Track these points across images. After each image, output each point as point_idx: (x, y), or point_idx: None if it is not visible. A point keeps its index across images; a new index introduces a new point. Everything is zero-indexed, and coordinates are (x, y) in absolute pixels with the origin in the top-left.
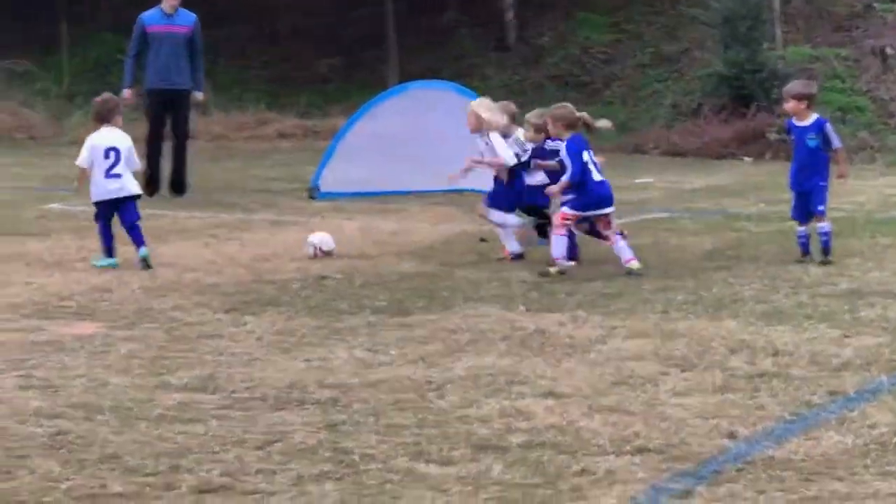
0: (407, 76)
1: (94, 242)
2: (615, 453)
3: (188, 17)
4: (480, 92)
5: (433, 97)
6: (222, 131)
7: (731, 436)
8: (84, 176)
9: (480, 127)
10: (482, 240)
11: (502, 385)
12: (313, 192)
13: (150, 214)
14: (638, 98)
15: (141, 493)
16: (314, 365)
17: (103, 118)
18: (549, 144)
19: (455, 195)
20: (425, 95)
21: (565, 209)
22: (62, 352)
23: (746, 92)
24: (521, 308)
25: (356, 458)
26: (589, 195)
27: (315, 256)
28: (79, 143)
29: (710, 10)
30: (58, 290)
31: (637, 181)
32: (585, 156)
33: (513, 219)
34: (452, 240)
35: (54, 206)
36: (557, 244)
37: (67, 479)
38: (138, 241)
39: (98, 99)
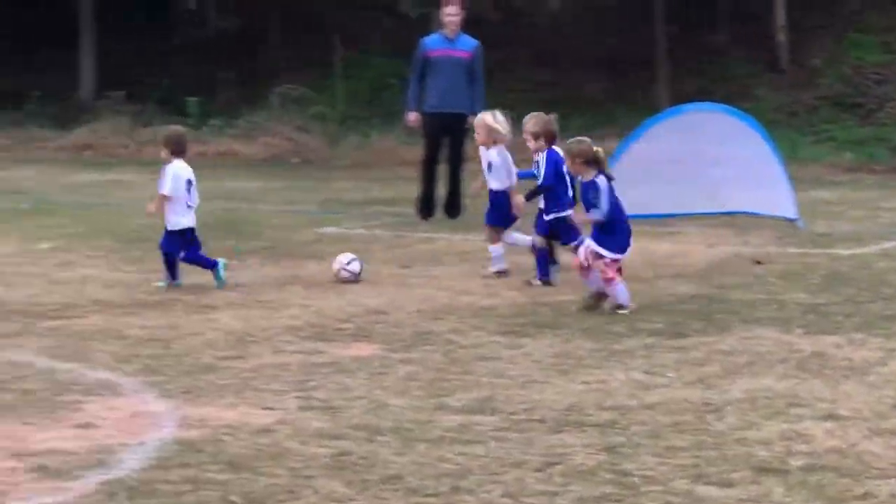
0: (678, 98)
1: (370, 265)
2: None
3: (470, 43)
4: (752, 114)
5: (706, 119)
6: None
7: None
8: (162, 202)
9: (490, 140)
10: (757, 262)
11: (781, 407)
12: None
13: (426, 238)
14: None
15: None
16: (592, 387)
17: (182, 150)
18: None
19: (729, 217)
20: (698, 118)
21: (608, 254)
22: (342, 373)
23: None
24: (798, 330)
25: (636, 479)
26: (624, 234)
27: (337, 277)
28: (352, 166)
29: None
30: (335, 313)
31: None
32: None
33: (522, 238)
34: (727, 262)
35: (329, 229)
36: (621, 292)
37: (351, 500)
38: (210, 262)
39: (176, 132)
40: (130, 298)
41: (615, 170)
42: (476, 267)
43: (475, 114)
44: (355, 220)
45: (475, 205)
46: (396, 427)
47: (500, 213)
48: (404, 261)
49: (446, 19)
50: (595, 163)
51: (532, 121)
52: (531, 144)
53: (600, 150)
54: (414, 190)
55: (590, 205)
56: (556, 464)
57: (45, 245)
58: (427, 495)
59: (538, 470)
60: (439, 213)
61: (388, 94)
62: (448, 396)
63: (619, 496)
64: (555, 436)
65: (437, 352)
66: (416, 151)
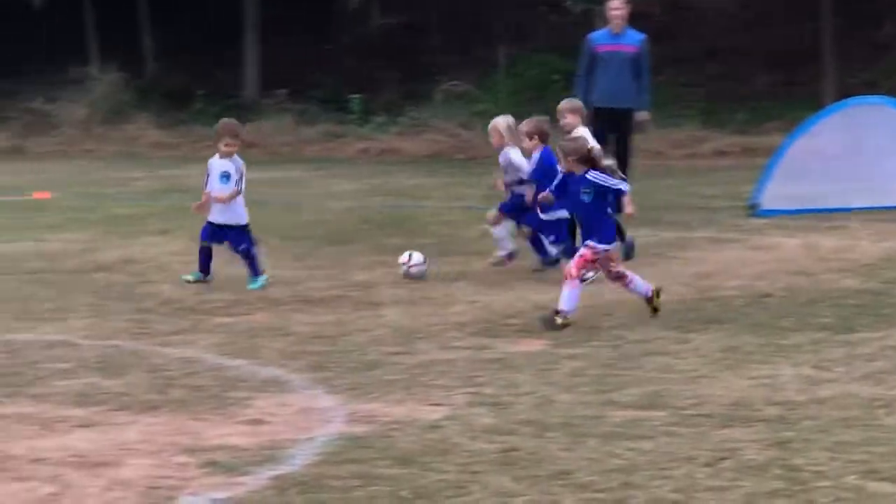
0: (844, 92)
1: (533, 261)
2: None
3: (636, 37)
4: None
5: (872, 113)
6: (659, 149)
7: None
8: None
9: (503, 143)
10: None
11: None
12: (753, 210)
13: None
14: None
15: None
16: (760, 382)
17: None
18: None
19: None
20: (864, 112)
21: (599, 246)
22: (509, 369)
23: None
24: None
25: (806, 475)
26: (611, 228)
27: (408, 274)
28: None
29: None
30: (502, 308)
31: None
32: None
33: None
34: (895, 256)
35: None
36: (571, 297)
37: (520, 495)
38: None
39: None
40: (297, 295)
41: (781, 164)
42: (642, 262)
43: (643, 108)
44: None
45: (639, 200)
46: (565, 422)
47: (513, 205)
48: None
49: (611, 13)
50: (589, 161)
51: (525, 122)
52: (527, 144)
53: (596, 148)
54: None
55: (576, 198)
56: (726, 459)
57: None
58: (596, 490)
59: (708, 465)
60: None
61: (551, 90)
62: (616, 392)
63: (789, 492)
64: (724, 431)
65: (605, 347)
66: None
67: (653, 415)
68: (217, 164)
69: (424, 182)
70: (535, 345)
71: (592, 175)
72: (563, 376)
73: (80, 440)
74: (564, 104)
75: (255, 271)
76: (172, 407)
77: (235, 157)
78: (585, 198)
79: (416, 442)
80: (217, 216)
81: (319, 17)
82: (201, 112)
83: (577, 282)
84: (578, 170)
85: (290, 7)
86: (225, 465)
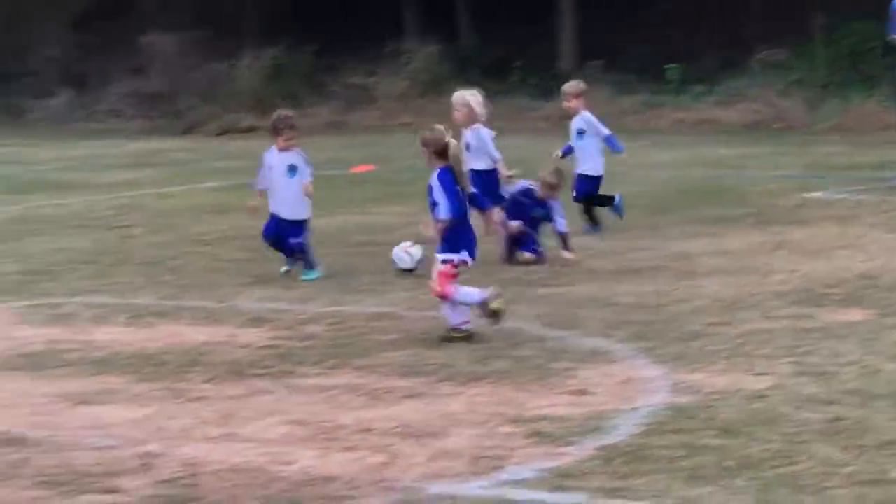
0: None
1: (855, 229)
2: None
3: None
4: None
5: None
6: None
7: None
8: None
9: (473, 120)
10: None
11: None
12: None
13: None
14: None
15: None
16: None
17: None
18: None
19: None
20: None
21: (454, 256)
22: (832, 338)
23: None
24: None
25: None
26: (470, 235)
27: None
28: (833, 131)
29: None
30: (822, 278)
31: None
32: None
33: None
34: None
35: (814, 194)
36: (458, 314)
37: (847, 465)
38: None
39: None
40: (618, 265)
41: None
42: None
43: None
44: (840, 185)
45: None
46: (891, 392)
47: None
48: (892, 225)
49: None
50: (443, 155)
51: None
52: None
53: (453, 141)
54: None
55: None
56: None
57: None
58: None
59: None
60: None
61: (868, 58)
62: None
63: None
64: None
65: None
66: None
67: None
68: (279, 157)
69: (742, 152)
70: (857, 314)
71: (434, 178)
72: (888, 346)
73: (407, 411)
74: (568, 86)
75: (309, 264)
76: (496, 378)
77: (296, 148)
78: (428, 200)
79: (740, 412)
80: (286, 211)
81: None
82: (519, 84)
83: (451, 295)
84: (434, 164)
85: None
86: (550, 435)
